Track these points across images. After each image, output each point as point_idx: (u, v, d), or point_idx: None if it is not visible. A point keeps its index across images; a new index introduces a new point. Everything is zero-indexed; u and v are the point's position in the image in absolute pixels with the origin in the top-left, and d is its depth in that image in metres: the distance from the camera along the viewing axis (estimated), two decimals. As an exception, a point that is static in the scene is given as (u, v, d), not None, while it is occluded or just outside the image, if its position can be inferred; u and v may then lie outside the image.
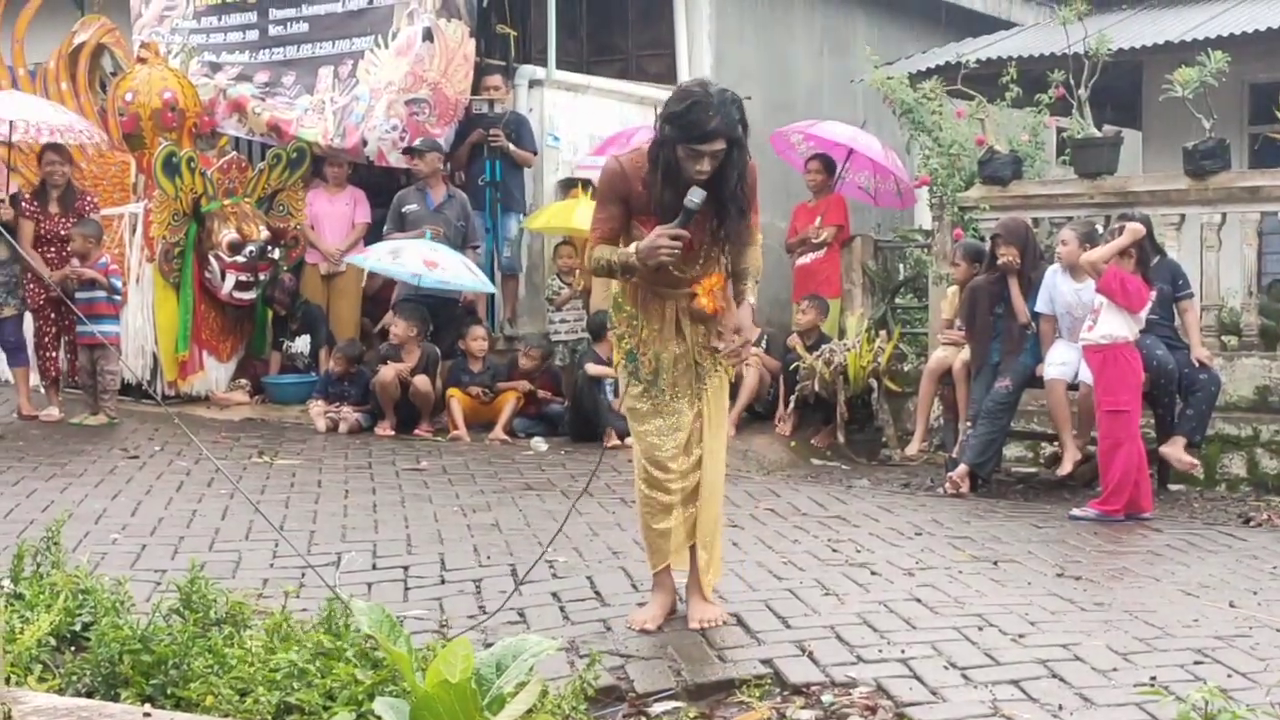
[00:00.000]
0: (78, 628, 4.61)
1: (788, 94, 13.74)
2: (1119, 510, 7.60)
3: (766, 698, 4.46)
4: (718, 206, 4.91)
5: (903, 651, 4.80)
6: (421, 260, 10.23)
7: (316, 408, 10.60)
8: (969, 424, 8.81)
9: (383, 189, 12.06)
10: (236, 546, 6.50)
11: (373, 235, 11.61)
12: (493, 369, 10.61)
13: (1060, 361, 8.57)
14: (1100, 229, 8.56)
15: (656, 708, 4.41)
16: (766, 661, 4.72)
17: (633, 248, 4.93)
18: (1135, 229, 7.68)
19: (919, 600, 5.52)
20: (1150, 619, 5.30)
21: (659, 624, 5.09)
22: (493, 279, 11.62)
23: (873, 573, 6.02)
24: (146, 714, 2.90)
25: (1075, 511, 7.67)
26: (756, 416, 10.76)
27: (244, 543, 6.59)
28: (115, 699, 4.02)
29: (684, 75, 12.91)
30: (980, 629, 5.08)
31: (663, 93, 12.50)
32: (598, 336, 10.39)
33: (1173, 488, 8.80)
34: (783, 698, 4.46)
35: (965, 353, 9.19)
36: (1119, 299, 7.59)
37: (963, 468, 8.58)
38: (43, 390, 10.62)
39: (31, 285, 10.32)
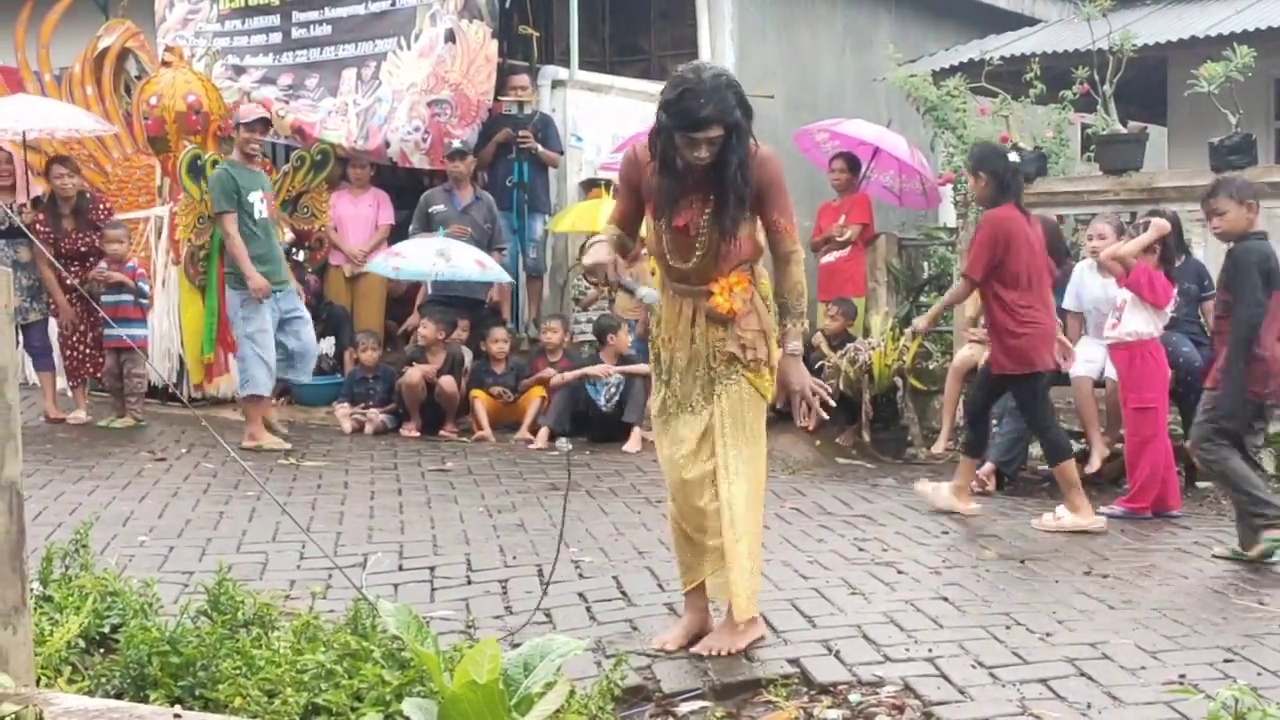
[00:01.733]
0: (106, 630, 4.64)
1: (810, 93, 13.72)
2: (1146, 508, 7.56)
3: (793, 697, 4.45)
4: (717, 194, 4.75)
5: (930, 650, 4.79)
6: (433, 255, 10.28)
7: (342, 409, 10.63)
8: (995, 422, 8.77)
9: (405, 190, 12.10)
10: (264, 548, 6.52)
11: (396, 236, 11.64)
12: (516, 369, 10.62)
13: (1086, 359, 8.53)
14: (1126, 226, 8.52)
15: (683, 707, 4.41)
16: (793, 661, 4.71)
17: (586, 257, 4.91)
18: (1160, 224, 7.64)
19: (946, 599, 5.51)
20: (1179, 617, 5.28)
21: (678, 645, 4.87)
22: (518, 280, 11.64)
23: (899, 571, 6.01)
24: (177, 715, 2.92)
25: (1102, 509, 7.63)
26: (781, 415, 10.71)
27: (271, 544, 6.61)
28: (144, 700, 4.04)
29: (706, 75, 12.88)
30: (1008, 627, 5.07)
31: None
32: (602, 341, 10.41)
33: (1200, 485, 8.74)
34: (810, 697, 4.46)
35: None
36: (1145, 294, 7.56)
37: (989, 466, 8.55)
38: (69, 393, 10.67)
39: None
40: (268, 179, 9.96)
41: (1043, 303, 7.43)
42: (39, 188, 10.83)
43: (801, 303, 4.87)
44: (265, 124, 9.88)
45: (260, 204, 9.57)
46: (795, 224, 4.93)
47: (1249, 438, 6.81)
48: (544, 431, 9.99)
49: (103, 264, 10.23)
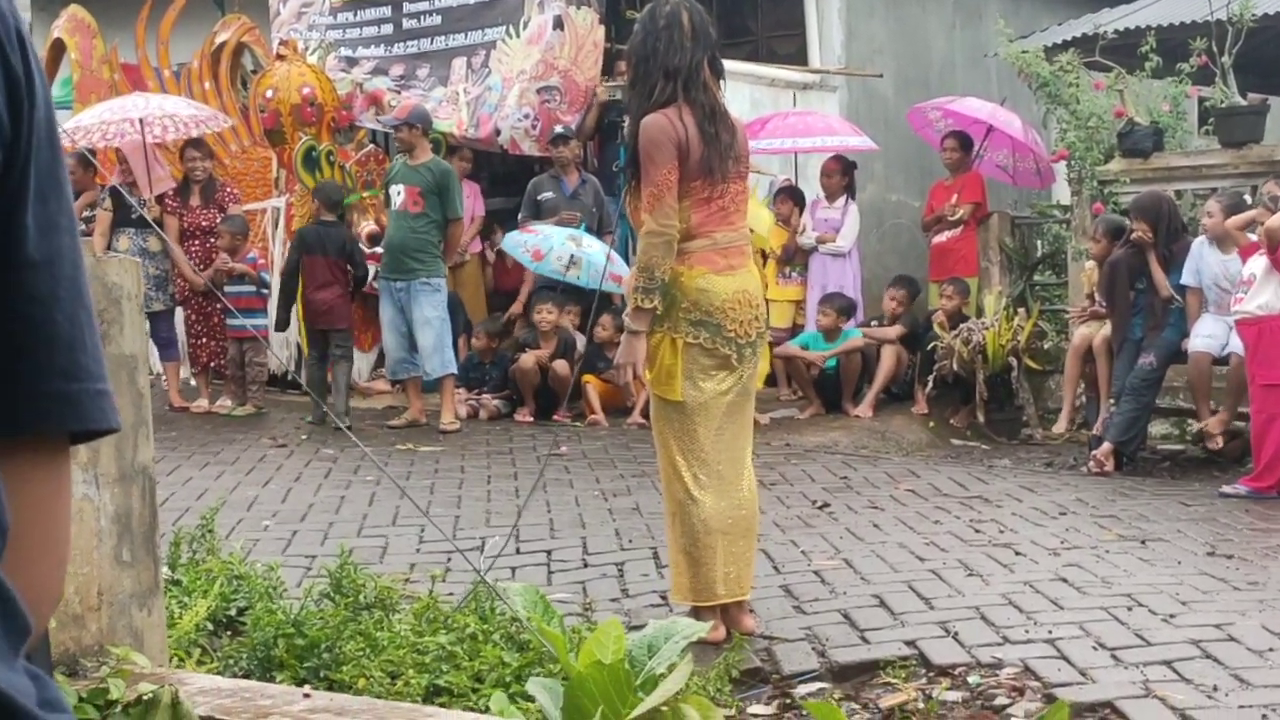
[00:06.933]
0: (233, 612, 4.74)
1: (920, 70, 13.58)
2: (1272, 487, 7.42)
3: (912, 679, 4.44)
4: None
5: (1050, 632, 4.74)
6: (563, 265, 10.34)
7: (457, 395, 10.74)
8: (1112, 401, 8.66)
9: (512, 178, 12.17)
10: (383, 532, 6.63)
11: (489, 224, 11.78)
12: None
13: (1206, 334, 8.38)
14: (1248, 199, 8.35)
15: (801, 689, 4.42)
16: (910, 643, 4.69)
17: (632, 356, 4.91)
18: None
19: (1065, 580, 5.44)
20: (1307, 597, 5.18)
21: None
22: (627, 264, 11.66)
23: (1017, 553, 5.96)
24: (306, 695, 2.98)
25: (1226, 488, 7.50)
26: (894, 398, 10.68)
27: (391, 528, 6.71)
28: (270, 681, 4.13)
29: (815, 55, 12.82)
30: (1129, 609, 5.00)
31: (794, 74, 12.46)
32: None
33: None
34: (928, 679, 4.44)
35: (1107, 329, 9.04)
36: None
37: (1107, 446, 8.44)
38: (193, 382, 10.91)
39: (180, 280, 10.65)
40: (420, 173, 9.93)
41: None
42: (169, 183, 11.03)
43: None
44: (408, 125, 10.02)
45: (396, 195, 9.77)
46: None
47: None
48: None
49: (224, 255, 10.46)
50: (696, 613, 4.72)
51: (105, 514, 3.24)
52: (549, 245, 10.50)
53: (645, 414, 10.18)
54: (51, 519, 0.94)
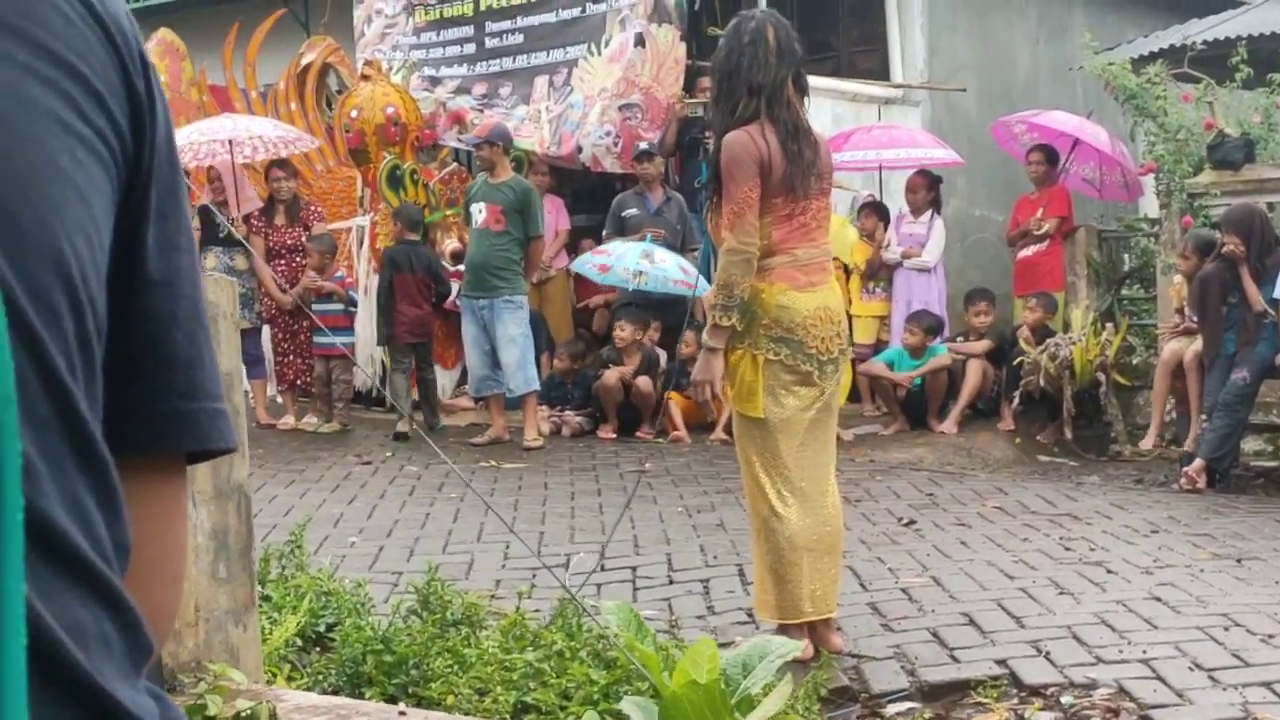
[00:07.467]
0: (321, 628, 4.78)
1: (1004, 84, 13.47)
2: (1370, 505, 7.26)
3: (1003, 699, 4.38)
4: None
5: (1144, 652, 4.66)
6: (631, 272, 10.34)
7: (540, 412, 10.77)
8: (1204, 417, 8.52)
9: (595, 195, 12.20)
10: (469, 548, 6.65)
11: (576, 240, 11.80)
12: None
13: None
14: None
15: (890, 709, 4.37)
16: (1001, 662, 4.64)
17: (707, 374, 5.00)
18: None
19: (1159, 599, 5.35)
20: None
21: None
22: (710, 281, 11.64)
23: (1109, 571, 5.87)
24: (401, 712, 2.99)
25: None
26: (979, 413, 10.58)
27: (476, 544, 6.73)
28: (360, 698, 4.15)
29: (897, 70, 12.76)
30: (1226, 629, 4.91)
31: (876, 89, 12.40)
32: None
33: None
34: (1020, 699, 4.38)
35: (1197, 344, 8.90)
36: None
37: (1199, 462, 8.30)
38: (279, 399, 11.03)
39: (266, 298, 10.78)
40: (502, 191, 9.98)
41: None
42: (255, 202, 11.21)
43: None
44: (488, 143, 10.10)
45: (478, 213, 9.84)
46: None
47: None
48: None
49: (311, 274, 10.59)
50: (783, 630, 4.69)
51: (202, 530, 3.28)
52: (619, 262, 10.51)
53: (728, 430, 10.17)
54: (169, 538, 0.95)
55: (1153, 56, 11.90)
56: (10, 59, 0.80)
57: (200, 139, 10.70)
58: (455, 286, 11.10)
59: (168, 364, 0.92)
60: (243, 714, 2.71)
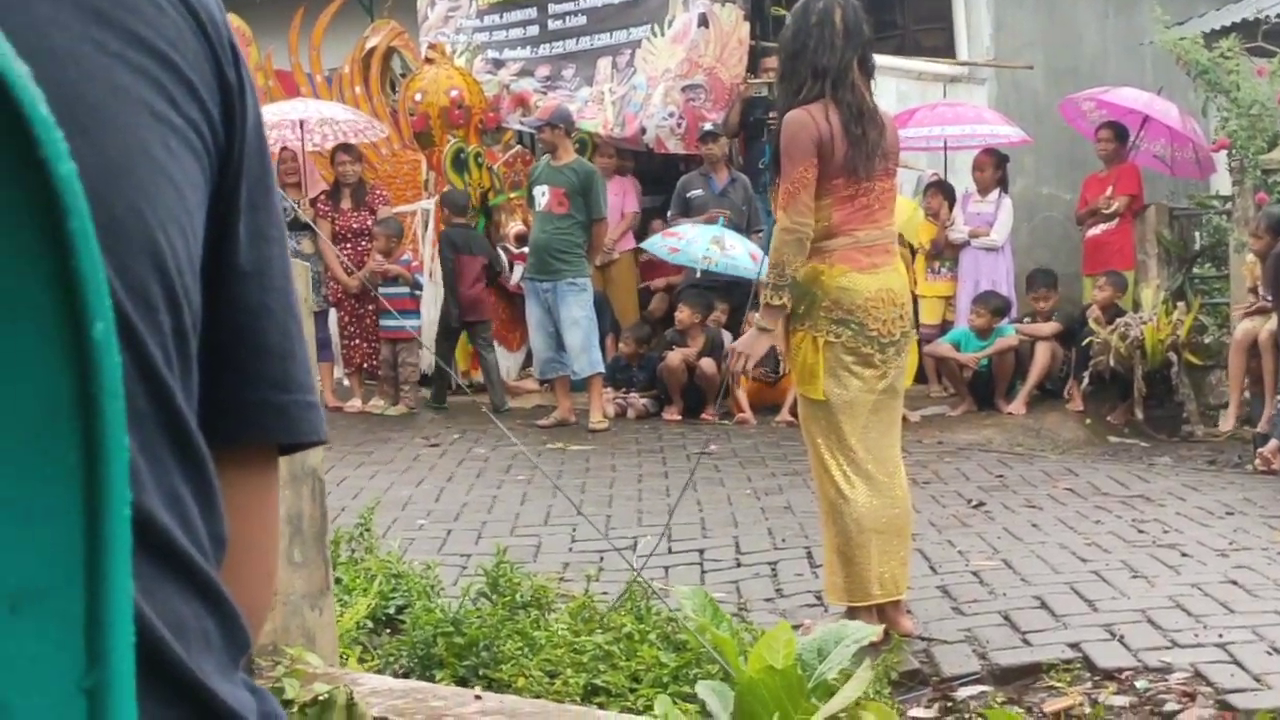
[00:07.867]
0: (391, 610, 4.81)
1: (1072, 60, 13.29)
2: None
3: (1076, 683, 4.34)
4: None
5: (1220, 636, 4.60)
6: (702, 255, 10.32)
7: (604, 394, 10.77)
8: (1276, 399, 8.40)
9: (660, 178, 12.17)
10: (536, 531, 6.67)
11: (644, 222, 11.77)
12: (775, 351, 10.58)
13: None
14: None
15: (962, 692, 4.35)
16: (1074, 645, 4.60)
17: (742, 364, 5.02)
18: None
19: (1235, 582, 5.28)
20: None
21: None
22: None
23: (1183, 554, 5.80)
24: (477, 696, 3.00)
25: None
26: (1047, 394, 10.48)
27: (543, 527, 6.75)
28: (430, 680, 4.17)
29: (963, 48, 12.63)
30: (1304, 613, 4.84)
31: (941, 67, 12.29)
32: None
33: None
34: (1093, 683, 4.34)
35: (1272, 323, 8.77)
36: None
37: (1274, 443, 8.18)
38: (346, 383, 11.10)
39: (332, 281, 10.84)
40: (564, 174, 9.97)
41: None
42: (321, 185, 11.31)
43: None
44: (550, 126, 10.11)
45: (540, 196, 9.85)
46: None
47: None
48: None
49: (378, 257, 10.65)
50: (852, 613, 4.67)
51: (276, 515, 3.30)
52: (689, 246, 10.49)
53: (794, 411, 10.14)
54: (262, 530, 0.94)
55: (1225, 30, 11.71)
56: (102, 47, 0.79)
57: (272, 121, 10.77)
58: (519, 269, 11.13)
59: (260, 355, 0.92)
60: (320, 698, 2.73)
